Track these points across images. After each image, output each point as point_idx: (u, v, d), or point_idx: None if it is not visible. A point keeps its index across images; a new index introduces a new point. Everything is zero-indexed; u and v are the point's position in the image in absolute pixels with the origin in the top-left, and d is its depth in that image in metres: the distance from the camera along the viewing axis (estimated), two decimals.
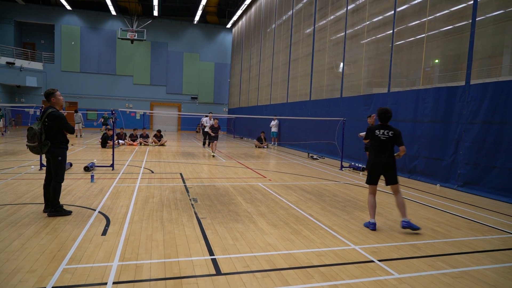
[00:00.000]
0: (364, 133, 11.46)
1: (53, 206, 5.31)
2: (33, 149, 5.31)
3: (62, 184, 5.48)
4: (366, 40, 13.19)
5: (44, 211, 5.43)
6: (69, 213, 5.43)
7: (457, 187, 8.81)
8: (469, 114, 8.61)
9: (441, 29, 9.86)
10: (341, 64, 14.83)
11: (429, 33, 10.13)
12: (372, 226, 5.31)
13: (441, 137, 9.40)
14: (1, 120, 20.73)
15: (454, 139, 9.01)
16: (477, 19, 8.58)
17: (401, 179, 10.16)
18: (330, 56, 15.81)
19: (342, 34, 14.70)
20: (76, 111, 22.38)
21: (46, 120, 5.29)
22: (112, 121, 10.87)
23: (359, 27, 13.68)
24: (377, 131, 5.46)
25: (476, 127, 8.42)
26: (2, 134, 20.72)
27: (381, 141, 5.43)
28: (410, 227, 5.19)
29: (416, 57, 10.63)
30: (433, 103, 9.73)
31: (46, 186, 5.45)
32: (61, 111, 5.69)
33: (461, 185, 8.75)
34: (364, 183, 9.30)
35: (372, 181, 5.43)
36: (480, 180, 8.29)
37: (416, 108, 10.33)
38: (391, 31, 11.59)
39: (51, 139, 5.32)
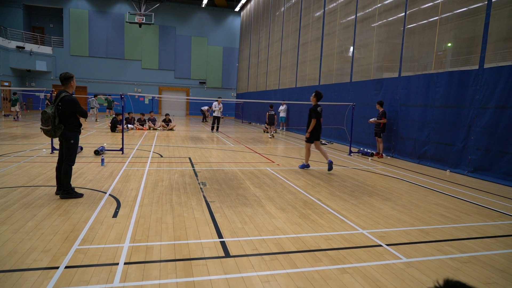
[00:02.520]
0: (374, 118, 11.58)
1: (65, 189, 5.40)
2: (47, 133, 5.39)
3: (73, 167, 5.56)
4: (377, 23, 12.92)
5: (57, 193, 5.54)
6: (80, 195, 5.53)
7: (468, 173, 8.73)
8: (482, 98, 8.44)
9: (455, 11, 9.59)
10: (351, 48, 14.59)
11: (443, 16, 9.87)
12: (307, 167, 8.80)
13: (452, 122, 9.27)
14: (17, 104, 21.00)
15: (465, 124, 8.88)
16: (493, 0, 8.32)
17: (410, 164, 10.14)
18: (340, 40, 15.55)
19: (353, 17, 14.41)
20: (95, 96, 23.05)
21: (59, 104, 5.35)
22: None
23: (370, 9, 13.38)
24: (318, 108, 8.51)
25: (489, 112, 8.26)
26: (15, 118, 20.97)
27: (319, 114, 8.51)
28: (304, 167, 8.80)
29: (429, 40, 10.40)
30: (445, 87, 9.56)
31: (59, 169, 5.53)
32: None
33: (471, 171, 8.66)
34: (373, 169, 9.27)
35: (312, 140, 8.63)
36: (491, 166, 8.19)
37: (427, 93, 10.17)
38: (403, 14, 11.32)
39: (64, 122, 5.39)
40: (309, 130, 8.45)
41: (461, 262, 3.75)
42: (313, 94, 8.68)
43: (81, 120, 17.00)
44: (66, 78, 5.51)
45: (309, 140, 8.65)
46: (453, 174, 8.95)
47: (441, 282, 1.15)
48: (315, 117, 8.40)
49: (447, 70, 9.64)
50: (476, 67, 8.67)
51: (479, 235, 4.59)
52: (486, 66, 8.42)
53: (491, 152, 8.20)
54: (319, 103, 8.64)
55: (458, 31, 9.62)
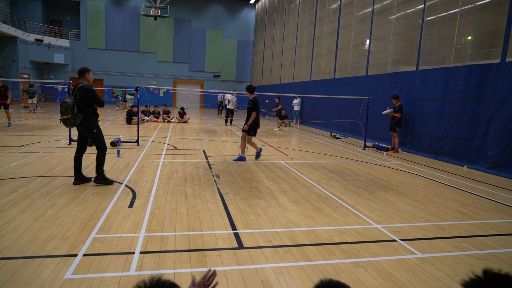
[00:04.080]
0: (390, 110, 11.32)
1: (99, 174, 5.73)
2: (67, 122, 5.58)
3: (90, 158, 5.69)
4: (394, 16, 12.65)
5: (74, 183, 5.68)
6: (111, 182, 5.84)
7: (486, 169, 8.54)
8: (503, 93, 8.21)
9: (476, 3, 9.31)
10: (368, 41, 14.35)
11: (463, 8, 9.60)
12: (244, 159, 8.51)
13: (471, 117, 9.06)
14: (35, 96, 21.28)
15: (485, 119, 8.66)
16: None
17: (426, 160, 9.98)
18: (356, 33, 15.31)
19: (370, 9, 14.16)
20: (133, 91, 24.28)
21: (77, 93, 5.58)
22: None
23: (387, 1, 13.11)
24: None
25: (510, 107, 8.04)
26: (33, 110, 21.31)
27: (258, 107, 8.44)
28: (240, 160, 8.43)
29: (448, 33, 10.13)
30: (464, 81, 9.33)
31: (77, 159, 5.72)
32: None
33: (490, 167, 8.47)
34: (388, 164, 9.17)
35: (254, 134, 8.55)
36: (511, 162, 7.99)
37: (445, 87, 9.95)
38: (422, 6, 11.05)
39: (82, 111, 5.59)
40: (249, 123, 8.34)
41: (478, 259, 3.69)
42: (247, 88, 8.58)
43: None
44: (81, 72, 5.78)
45: (249, 133, 8.48)
46: (471, 170, 8.77)
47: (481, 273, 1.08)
48: (256, 110, 8.33)
49: (466, 64, 9.40)
50: (498, 60, 8.43)
51: (497, 232, 4.50)
52: (508, 60, 8.17)
53: (510, 148, 7.99)
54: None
55: (480, 24, 9.35)
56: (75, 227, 3.98)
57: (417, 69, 11.24)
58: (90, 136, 5.70)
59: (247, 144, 8.64)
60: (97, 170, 5.73)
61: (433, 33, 10.73)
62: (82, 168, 5.91)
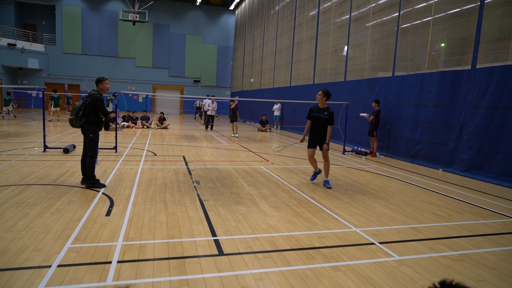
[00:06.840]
0: (366, 114, 11.47)
1: (90, 179, 5.97)
2: (71, 121, 6.04)
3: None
4: (371, 23, 12.97)
5: (82, 183, 6.09)
6: (104, 186, 6.05)
7: (460, 172, 8.81)
8: (474, 98, 8.53)
9: (448, 12, 9.66)
10: (346, 47, 14.63)
11: (436, 16, 9.94)
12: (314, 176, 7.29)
13: (445, 122, 9.35)
14: (10, 104, 21.04)
15: (458, 123, 8.96)
16: (485, 1, 8.39)
17: (404, 163, 10.20)
18: (335, 39, 15.59)
19: (347, 16, 14.46)
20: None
21: (87, 99, 6.01)
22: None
23: (364, 9, 13.43)
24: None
25: (481, 111, 8.35)
26: (12, 114, 21.26)
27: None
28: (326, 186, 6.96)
29: (422, 40, 10.47)
30: (437, 87, 9.64)
31: (83, 161, 6.12)
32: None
33: (463, 170, 8.75)
34: (367, 168, 9.32)
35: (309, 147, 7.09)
36: (483, 165, 8.28)
37: (420, 93, 10.24)
38: (397, 14, 11.38)
39: (86, 116, 5.97)
40: (327, 139, 6.95)
41: (452, 260, 3.79)
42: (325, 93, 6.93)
43: None
44: (97, 81, 6.23)
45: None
46: (446, 173, 9.03)
47: (437, 285, 1.15)
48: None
49: (440, 70, 9.72)
50: (469, 67, 8.75)
51: (470, 233, 4.64)
52: (478, 66, 8.50)
53: (482, 152, 8.29)
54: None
55: (451, 32, 9.70)
56: (49, 237, 3.86)
57: (393, 75, 11.53)
58: (86, 138, 6.01)
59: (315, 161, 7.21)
60: (87, 175, 5.97)
61: (408, 40, 11.05)
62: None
